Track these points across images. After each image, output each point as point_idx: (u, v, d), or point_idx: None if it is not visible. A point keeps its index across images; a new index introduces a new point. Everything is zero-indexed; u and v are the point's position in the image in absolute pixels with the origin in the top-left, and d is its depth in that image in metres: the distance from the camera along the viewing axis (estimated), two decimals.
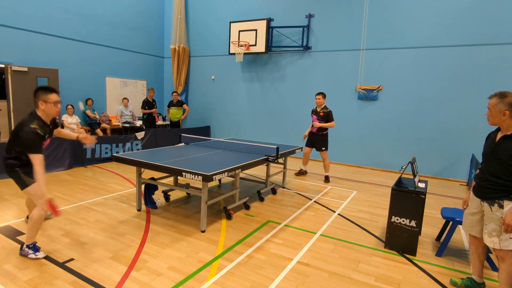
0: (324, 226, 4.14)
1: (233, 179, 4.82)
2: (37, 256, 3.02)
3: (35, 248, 3.06)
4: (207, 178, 3.37)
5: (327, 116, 6.21)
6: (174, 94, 9.64)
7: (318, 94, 6.29)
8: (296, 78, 8.95)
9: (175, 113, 9.66)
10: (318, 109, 6.31)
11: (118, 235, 3.59)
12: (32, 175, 2.94)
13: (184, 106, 9.77)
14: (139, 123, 9.79)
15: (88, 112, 8.84)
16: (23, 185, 3.03)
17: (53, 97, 2.96)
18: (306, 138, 6.67)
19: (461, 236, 4.07)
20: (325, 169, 6.54)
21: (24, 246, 3.05)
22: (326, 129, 6.37)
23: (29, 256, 3.01)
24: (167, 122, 11.08)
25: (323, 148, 6.40)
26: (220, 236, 3.70)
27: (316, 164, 8.37)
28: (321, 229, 4.04)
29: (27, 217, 3.72)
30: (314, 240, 3.72)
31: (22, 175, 3.01)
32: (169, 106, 9.72)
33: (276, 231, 3.91)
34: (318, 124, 6.24)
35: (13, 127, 7.23)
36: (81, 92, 8.91)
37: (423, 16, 7.14)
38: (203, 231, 3.78)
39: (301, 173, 6.95)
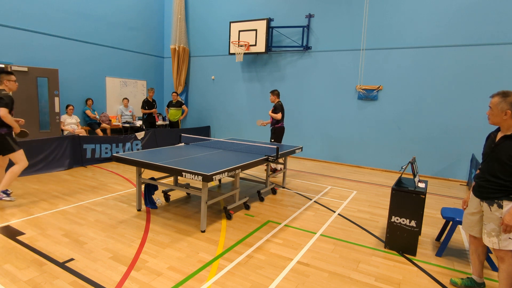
0: (324, 226, 4.14)
1: (233, 179, 4.83)
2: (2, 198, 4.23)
3: (6, 193, 4.32)
4: (207, 178, 3.37)
5: (274, 110, 6.61)
6: (174, 94, 9.64)
7: (270, 92, 6.76)
8: (296, 78, 8.96)
9: (174, 114, 9.66)
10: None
11: (118, 235, 3.59)
12: (17, 143, 4.22)
13: (183, 107, 9.76)
14: (139, 123, 9.79)
15: (88, 112, 8.84)
16: (11, 150, 4.16)
17: (13, 77, 4.28)
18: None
19: (461, 236, 4.08)
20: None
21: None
22: (276, 123, 6.64)
23: (2, 199, 4.26)
24: (167, 122, 11.09)
25: (272, 140, 6.74)
26: (220, 236, 3.70)
27: (316, 164, 8.37)
28: (321, 229, 4.04)
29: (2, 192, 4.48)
30: (314, 240, 3.72)
31: (11, 142, 4.16)
32: (168, 106, 9.72)
33: (276, 231, 3.92)
34: (269, 113, 6.67)
35: None
36: (81, 92, 8.91)
37: (423, 16, 7.14)
38: (203, 231, 3.78)
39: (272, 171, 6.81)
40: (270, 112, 6.69)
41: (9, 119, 4.01)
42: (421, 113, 7.33)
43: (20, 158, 4.22)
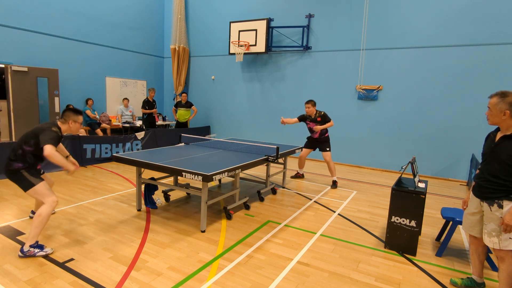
0: (324, 226, 4.14)
1: (233, 179, 4.82)
2: (47, 252, 3.08)
3: (40, 246, 3.10)
4: (207, 178, 3.37)
5: (324, 119, 6.02)
6: (184, 95, 9.48)
7: (307, 103, 6.04)
8: (296, 78, 8.96)
9: (183, 114, 9.50)
10: (313, 116, 6.10)
11: (118, 235, 3.59)
12: (37, 175, 3.19)
13: (193, 107, 9.62)
14: (139, 123, 9.79)
15: (88, 112, 8.85)
16: (29, 185, 3.11)
17: (81, 118, 3.44)
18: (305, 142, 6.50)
19: (461, 236, 4.08)
20: (331, 173, 6.15)
21: (28, 246, 3.02)
22: (327, 131, 6.25)
23: (37, 254, 3.03)
24: (167, 122, 11.08)
25: (327, 149, 6.16)
26: (220, 236, 3.70)
27: (316, 164, 8.37)
28: (321, 229, 4.04)
29: (32, 212, 3.93)
30: (314, 240, 3.72)
31: (28, 176, 3.13)
32: (176, 106, 9.50)
33: (276, 231, 3.92)
34: (320, 127, 5.97)
35: (13, 127, 7.27)
36: (81, 92, 8.92)
37: (423, 16, 7.14)
38: (203, 231, 3.78)
39: (298, 176, 6.78)
40: (319, 126, 5.97)
41: (57, 158, 3.08)
42: (421, 113, 7.33)
43: (43, 193, 3.14)
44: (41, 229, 3.07)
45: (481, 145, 2.75)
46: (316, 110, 6.11)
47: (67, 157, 3.71)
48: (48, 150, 3.00)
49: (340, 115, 8.31)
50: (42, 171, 3.49)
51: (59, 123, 3.35)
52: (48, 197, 3.11)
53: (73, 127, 3.41)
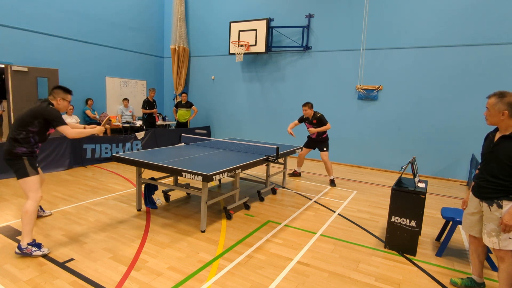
0: (324, 226, 4.14)
1: (233, 179, 4.82)
2: (43, 252, 3.07)
3: (38, 245, 3.10)
4: (207, 178, 3.37)
5: (320, 122, 6.09)
6: (184, 95, 9.48)
7: (304, 105, 6.09)
8: (296, 78, 8.96)
9: (183, 114, 9.49)
10: (310, 118, 6.17)
11: (118, 235, 3.59)
12: (35, 168, 3.18)
13: (193, 107, 9.63)
14: (139, 123, 9.78)
15: (88, 112, 8.85)
16: (24, 174, 3.08)
17: (70, 97, 3.41)
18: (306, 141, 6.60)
19: (461, 236, 4.08)
20: (328, 172, 6.30)
21: (25, 243, 3.02)
22: (325, 132, 6.29)
23: (34, 253, 3.03)
24: (167, 122, 11.08)
25: (325, 149, 6.28)
26: (220, 236, 3.70)
27: (316, 164, 8.37)
28: (321, 229, 4.04)
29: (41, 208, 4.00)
30: (314, 240, 3.72)
31: (27, 166, 3.11)
32: (177, 106, 9.49)
33: (276, 231, 3.92)
34: (314, 130, 6.10)
35: None
36: (81, 92, 8.91)
37: (423, 16, 7.14)
38: (203, 231, 3.78)
39: (295, 174, 6.85)
40: (314, 129, 6.11)
41: (81, 134, 3.35)
42: (421, 113, 7.33)
43: (33, 186, 3.11)
44: (32, 226, 3.06)
45: (481, 145, 2.75)
46: (314, 112, 6.17)
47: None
48: (69, 133, 3.17)
49: (340, 115, 8.32)
50: (37, 164, 3.44)
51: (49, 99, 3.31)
52: (34, 192, 3.11)
53: (61, 104, 3.34)
